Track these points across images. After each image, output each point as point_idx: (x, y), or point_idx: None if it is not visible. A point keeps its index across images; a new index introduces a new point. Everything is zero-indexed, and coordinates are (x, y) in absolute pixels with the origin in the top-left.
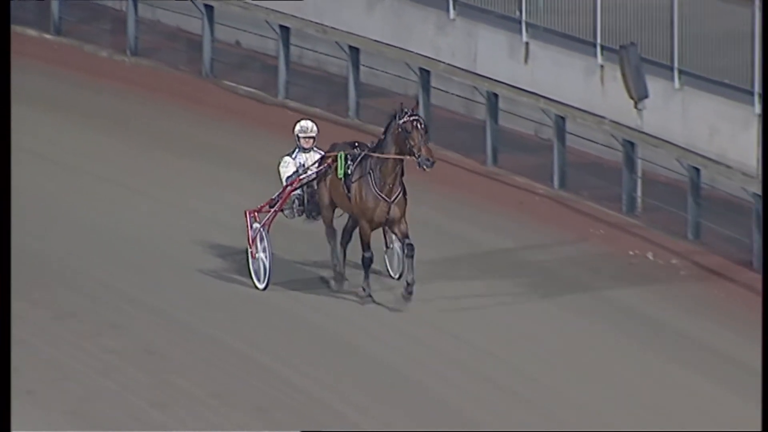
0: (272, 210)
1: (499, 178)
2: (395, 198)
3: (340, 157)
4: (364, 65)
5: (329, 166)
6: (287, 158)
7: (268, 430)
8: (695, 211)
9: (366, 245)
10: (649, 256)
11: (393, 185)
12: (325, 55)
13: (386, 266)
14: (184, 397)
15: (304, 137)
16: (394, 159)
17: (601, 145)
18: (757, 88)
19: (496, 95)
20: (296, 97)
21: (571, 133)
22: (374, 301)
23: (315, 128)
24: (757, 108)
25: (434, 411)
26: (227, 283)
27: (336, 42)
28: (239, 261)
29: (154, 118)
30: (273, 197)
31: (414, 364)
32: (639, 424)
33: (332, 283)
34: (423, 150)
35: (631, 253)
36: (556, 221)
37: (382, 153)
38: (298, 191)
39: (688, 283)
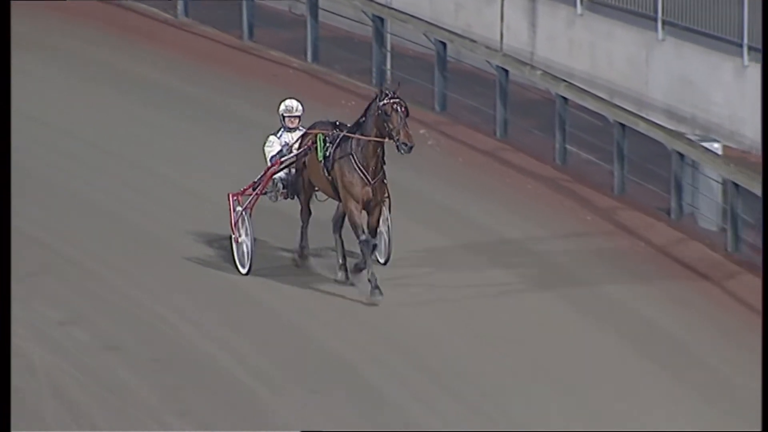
0: (254, 192)
1: (255, 52)
2: (376, 181)
3: (320, 138)
4: None
5: (309, 147)
6: (272, 138)
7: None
8: (442, 83)
9: (360, 229)
10: None
11: (375, 167)
12: None
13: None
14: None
15: (289, 117)
16: (375, 141)
17: (352, 20)
18: None
19: None
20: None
21: (323, 9)
22: (381, 294)
23: (300, 107)
24: None
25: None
26: (212, 270)
27: None
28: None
29: None
30: (255, 179)
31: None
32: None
33: (297, 259)
34: (402, 133)
35: None
36: (310, 93)
37: (363, 135)
38: (282, 173)
39: (433, 154)
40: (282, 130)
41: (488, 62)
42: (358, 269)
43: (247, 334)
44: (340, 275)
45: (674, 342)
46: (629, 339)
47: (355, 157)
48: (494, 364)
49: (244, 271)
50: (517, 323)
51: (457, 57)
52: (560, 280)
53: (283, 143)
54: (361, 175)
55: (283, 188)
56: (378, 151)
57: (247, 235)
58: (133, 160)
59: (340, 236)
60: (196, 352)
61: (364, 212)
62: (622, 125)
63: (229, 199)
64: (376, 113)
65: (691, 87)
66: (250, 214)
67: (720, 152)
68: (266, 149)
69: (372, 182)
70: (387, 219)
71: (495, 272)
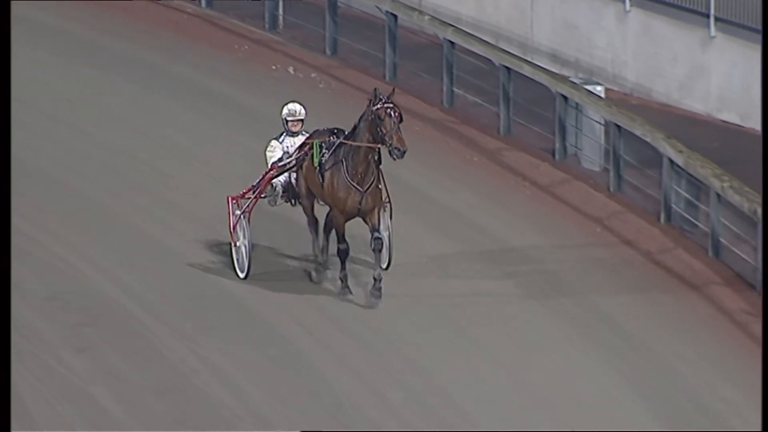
0: (252, 196)
1: None
2: (368, 188)
3: (316, 145)
4: None
5: (306, 153)
6: (274, 142)
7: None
8: (332, 28)
9: (340, 236)
10: (290, 70)
11: (365, 174)
12: None
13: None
14: None
15: (292, 120)
16: (367, 147)
17: None
18: None
19: None
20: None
21: None
22: (351, 293)
23: (303, 111)
24: None
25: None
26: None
27: None
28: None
29: None
30: (254, 183)
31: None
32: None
33: (313, 274)
34: (395, 138)
35: (273, 67)
36: (206, 38)
37: (356, 141)
38: (282, 178)
39: (324, 96)
40: (284, 134)
41: (378, 7)
42: (376, 290)
43: (144, 275)
44: (314, 275)
45: (549, 275)
46: (513, 277)
47: (345, 165)
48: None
49: (242, 275)
50: (409, 259)
51: (347, 2)
52: (442, 218)
53: (285, 148)
54: (350, 183)
55: (283, 192)
56: (369, 157)
57: (245, 239)
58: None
59: (327, 238)
60: (94, 289)
61: (360, 220)
62: (508, 69)
63: (228, 203)
64: (369, 118)
65: (575, 31)
66: (249, 218)
67: (602, 95)
68: (268, 154)
69: (363, 190)
70: (388, 225)
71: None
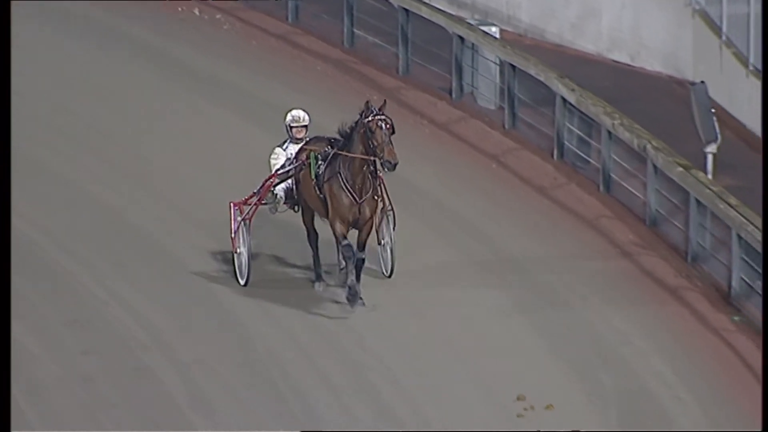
0: (252, 203)
1: None
2: (364, 199)
3: (312, 156)
4: None
5: (303, 163)
6: (278, 149)
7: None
8: None
9: (340, 242)
10: (196, 12)
11: (363, 185)
12: None
13: (379, 262)
14: None
15: (296, 127)
16: (362, 158)
17: None
18: None
19: None
20: None
21: None
22: (363, 303)
23: (306, 117)
24: None
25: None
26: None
27: None
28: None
29: None
30: (255, 190)
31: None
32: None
33: (316, 285)
34: (386, 151)
35: (180, 9)
36: None
37: (349, 152)
38: (284, 185)
39: (229, 37)
40: (288, 141)
41: None
42: (351, 295)
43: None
44: (317, 286)
45: (447, 210)
46: (412, 213)
47: (342, 176)
48: None
49: (242, 282)
50: None
51: None
52: None
53: (289, 155)
54: (349, 194)
55: (286, 200)
56: (365, 168)
57: (244, 246)
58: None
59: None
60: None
61: (353, 230)
62: (406, 10)
63: (230, 209)
64: (361, 130)
65: None
66: (249, 225)
67: (497, 36)
68: (271, 161)
69: (360, 201)
70: (391, 232)
71: None
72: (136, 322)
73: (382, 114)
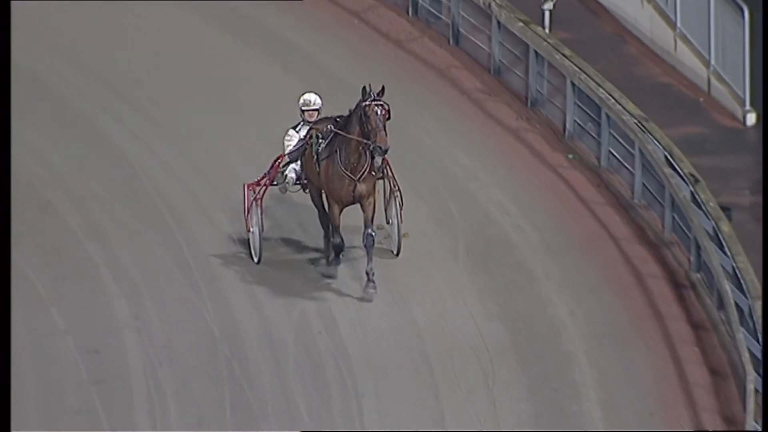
0: (263, 184)
1: None
2: (361, 176)
3: (314, 136)
4: None
5: (307, 143)
6: (291, 131)
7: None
8: None
9: (335, 228)
10: None
11: (358, 163)
12: None
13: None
14: None
15: (308, 110)
16: (357, 140)
17: None
18: None
19: None
20: None
21: None
22: (374, 288)
23: (318, 100)
24: None
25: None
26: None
27: None
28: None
29: None
30: (267, 171)
31: None
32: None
33: (329, 265)
34: (378, 136)
35: None
36: None
37: (348, 132)
38: (296, 166)
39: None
40: (302, 123)
41: None
42: (370, 282)
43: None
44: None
45: (316, 63)
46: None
47: (339, 155)
48: None
49: (255, 260)
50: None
51: None
52: (233, 19)
53: (302, 137)
54: (343, 172)
55: (297, 180)
56: (360, 148)
57: (256, 224)
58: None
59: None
60: None
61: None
62: None
63: (244, 190)
64: (359, 113)
65: None
66: (260, 204)
67: None
68: (285, 142)
69: (356, 178)
70: (399, 212)
71: None
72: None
73: (379, 99)
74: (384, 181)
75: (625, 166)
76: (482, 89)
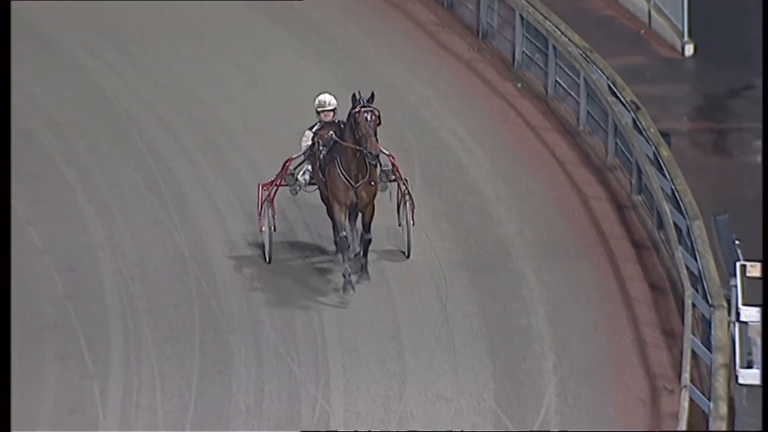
0: (274, 185)
1: None
2: (360, 184)
3: (317, 142)
4: None
5: (311, 149)
6: (308, 132)
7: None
8: None
9: (340, 228)
10: None
11: (357, 171)
12: None
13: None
14: None
15: (323, 111)
16: (351, 147)
17: None
18: None
19: None
20: None
21: None
22: (353, 289)
23: (333, 101)
24: None
25: None
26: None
27: None
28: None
29: None
30: (278, 172)
31: None
32: None
33: (346, 280)
34: (368, 142)
35: None
36: None
37: (343, 140)
38: (309, 166)
39: None
40: (318, 124)
41: None
42: (363, 272)
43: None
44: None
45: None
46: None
47: (339, 162)
48: None
49: (267, 260)
50: None
51: None
52: None
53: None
54: (344, 178)
55: (311, 182)
56: (357, 155)
57: (267, 225)
58: None
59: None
60: None
61: (358, 215)
62: None
63: (258, 190)
64: (350, 121)
65: None
66: (271, 205)
67: None
68: (302, 143)
69: (355, 186)
70: (409, 216)
71: None
72: None
73: (369, 106)
74: (397, 184)
75: (570, 94)
76: (436, 22)
